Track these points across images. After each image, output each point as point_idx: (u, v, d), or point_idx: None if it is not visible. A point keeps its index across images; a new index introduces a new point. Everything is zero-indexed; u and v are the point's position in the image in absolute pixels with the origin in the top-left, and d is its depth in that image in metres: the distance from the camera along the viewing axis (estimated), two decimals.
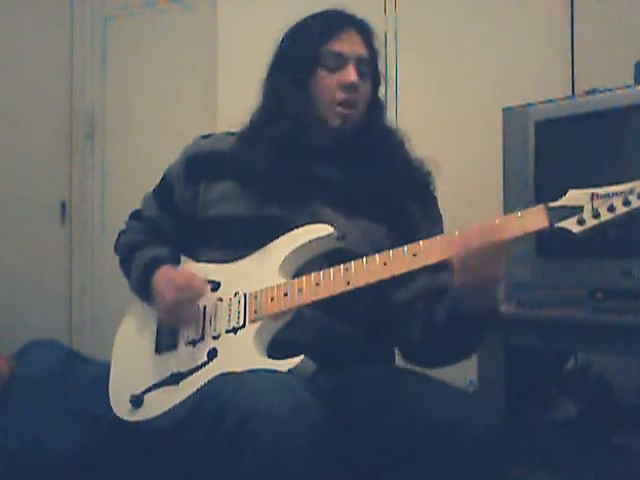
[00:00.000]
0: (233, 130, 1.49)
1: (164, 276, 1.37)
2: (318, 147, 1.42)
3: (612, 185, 1.11)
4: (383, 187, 1.39)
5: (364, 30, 1.43)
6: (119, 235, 1.59)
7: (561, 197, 1.14)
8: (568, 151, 1.87)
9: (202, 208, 1.43)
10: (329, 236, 1.30)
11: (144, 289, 1.42)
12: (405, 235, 1.22)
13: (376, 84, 1.46)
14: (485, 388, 1.87)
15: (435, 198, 1.48)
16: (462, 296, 1.20)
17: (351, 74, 1.37)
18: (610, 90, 1.79)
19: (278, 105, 1.40)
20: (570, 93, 2.23)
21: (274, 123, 1.39)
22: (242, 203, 1.39)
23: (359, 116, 1.41)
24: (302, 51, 1.41)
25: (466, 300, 1.20)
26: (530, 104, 1.90)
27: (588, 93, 1.85)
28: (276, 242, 1.33)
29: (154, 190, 1.55)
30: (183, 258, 1.51)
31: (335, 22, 1.42)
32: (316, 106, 1.39)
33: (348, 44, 1.39)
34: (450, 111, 2.48)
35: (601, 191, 1.11)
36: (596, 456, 1.80)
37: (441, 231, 1.38)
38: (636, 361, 2.02)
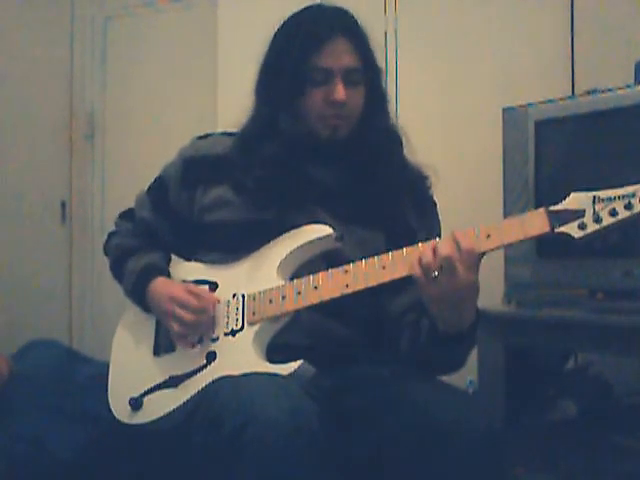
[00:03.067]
0: (230, 130, 1.47)
1: (165, 294, 1.33)
2: (315, 151, 1.41)
3: (613, 187, 1.10)
4: (380, 194, 1.37)
5: (352, 33, 1.36)
6: (109, 237, 1.56)
7: (561, 198, 1.13)
8: (568, 151, 1.87)
9: (199, 213, 1.42)
10: (328, 236, 1.29)
11: (138, 296, 1.41)
12: (402, 243, 1.21)
13: (372, 85, 1.40)
14: (485, 388, 1.87)
15: (434, 204, 1.47)
16: (437, 309, 1.18)
17: (337, 91, 1.32)
18: (610, 90, 1.79)
19: (268, 119, 1.38)
20: (570, 93, 2.23)
21: (266, 136, 1.37)
22: (239, 208, 1.37)
23: (349, 126, 1.37)
24: (287, 66, 1.35)
25: (440, 313, 1.19)
26: (530, 104, 1.90)
27: (588, 93, 1.85)
28: (274, 243, 1.33)
29: (148, 190, 1.52)
30: (174, 258, 1.50)
31: (320, 31, 1.34)
32: (304, 120, 1.36)
33: (334, 57, 1.33)
34: (450, 111, 2.48)
35: (603, 194, 1.10)
36: (596, 456, 1.80)
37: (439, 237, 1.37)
38: (636, 361, 2.02)
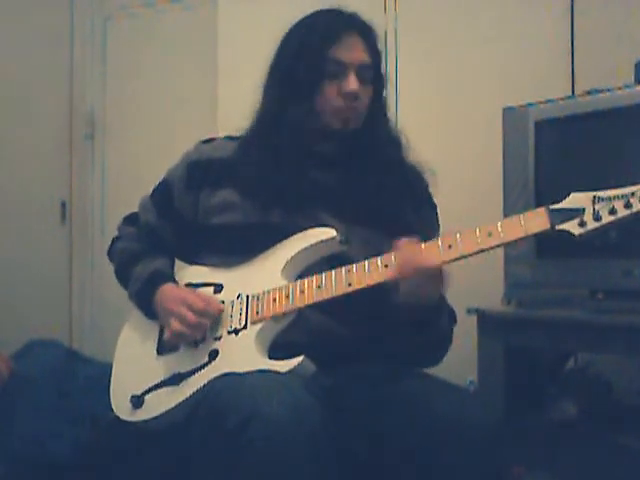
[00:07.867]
0: (234, 134, 1.49)
1: (173, 296, 1.34)
2: (319, 153, 1.42)
3: (613, 187, 1.12)
4: (381, 194, 1.39)
5: (366, 33, 1.42)
6: (113, 242, 1.57)
7: (561, 197, 1.14)
8: (568, 151, 1.87)
9: (203, 216, 1.42)
10: (332, 239, 1.30)
11: (144, 302, 1.41)
12: None
13: (378, 87, 1.45)
14: (485, 388, 1.87)
15: (434, 206, 1.50)
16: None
17: (351, 83, 1.36)
18: (610, 90, 1.79)
19: (280, 113, 1.39)
20: (570, 93, 2.23)
21: (276, 131, 1.39)
22: (244, 211, 1.38)
23: (360, 120, 1.41)
24: (304, 59, 1.38)
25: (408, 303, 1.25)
26: (530, 104, 1.90)
27: (588, 93, 1.85)
28: (279, 245, 1.34)
29: (152, 194, 1.53)
30: (178, 263, 1.50)
31: (337, 26, 1.39)
32: (318, 114, 1.38)
33: (349, 51, 1.38)
34: (450, 111, 2.48)
35: (603, 194, 1.12)
36: (596, 456, 1.80)
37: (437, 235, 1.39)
38: (636, 361, 2.02)
